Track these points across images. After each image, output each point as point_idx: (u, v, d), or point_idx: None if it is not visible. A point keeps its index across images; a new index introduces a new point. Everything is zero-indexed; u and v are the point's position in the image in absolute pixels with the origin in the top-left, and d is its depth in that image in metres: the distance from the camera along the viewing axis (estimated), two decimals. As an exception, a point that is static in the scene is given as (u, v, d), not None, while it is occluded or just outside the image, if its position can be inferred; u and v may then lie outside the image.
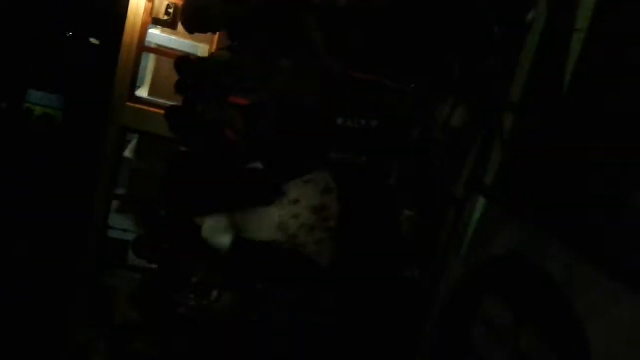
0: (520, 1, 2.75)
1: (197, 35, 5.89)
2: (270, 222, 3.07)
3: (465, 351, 2.72)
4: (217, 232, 3.29)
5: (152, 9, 7.34)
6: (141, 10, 7.28)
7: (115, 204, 8.16)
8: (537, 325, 2.28)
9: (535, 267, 2.29)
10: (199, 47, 7.66)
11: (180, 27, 7.65)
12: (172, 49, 7.65)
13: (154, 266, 4.45)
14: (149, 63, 8.30)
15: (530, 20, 2.79)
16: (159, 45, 7.91)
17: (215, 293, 3.92)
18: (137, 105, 7.62)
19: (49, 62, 8.18)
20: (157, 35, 7.96)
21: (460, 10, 2.75)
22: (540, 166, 2.54)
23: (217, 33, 4.68)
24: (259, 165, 3.31)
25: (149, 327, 4.14)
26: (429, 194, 3.27)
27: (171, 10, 7.46)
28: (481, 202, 2.80)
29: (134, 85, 7.67)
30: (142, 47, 7.49)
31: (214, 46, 7.01)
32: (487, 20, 2.75)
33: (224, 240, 3.22)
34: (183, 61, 3.70)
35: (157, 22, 7.50)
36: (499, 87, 2.75)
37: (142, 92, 8.11)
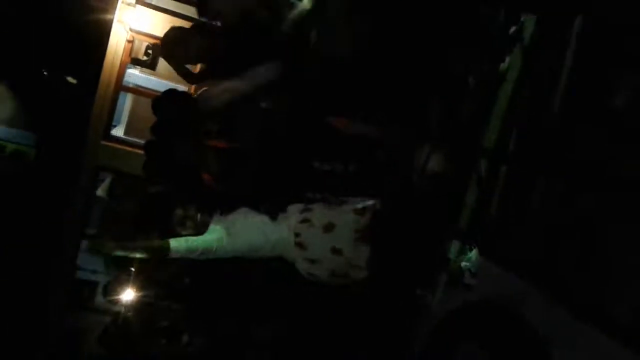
0: (494, 52, 2.84)
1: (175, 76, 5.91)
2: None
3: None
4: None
5: (132, 49, 7.38)
6: (120, 50, 7.32)
7: (84, 244, 7.99)
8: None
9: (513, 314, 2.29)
10: (178, 87, 7.70)
11: (159, 67, 7.70)
12: (150, 89, 7.66)
13: (122, 309, 4.35)
14: (127, 102, 8.29)
15: (504, 70, 2.88)
16: (137, 85, 7.92)
17: (185, 337, 3.84)
18: (113, 144, 7.57)
19: (24, 98, 8.11)
20: (135, 75, 7.98)
21: (435, 59, 2.82)
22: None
23: (197, 66, 4.70)
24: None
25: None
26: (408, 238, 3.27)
27: (150, 51, 7.51)
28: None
29: (109, 123, 7.64)
30: (120, 87, 7.49)
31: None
32: (462, 69, 2.83)
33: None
34: (160, 101, 3.70)
35: (136, 62, 7.53)
36: (474, 134, 2.81)
37: (118, 131, 8.07)
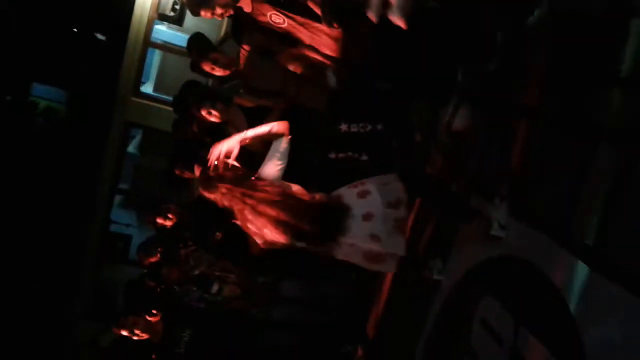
0: (522, 4, 2.76)
1: (202, 27, 5.87)
2: None
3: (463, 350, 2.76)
4: None
5: (159, 4, 7.37)
6: (147, 6, 7.32)
7: (118, 198, 8.21)
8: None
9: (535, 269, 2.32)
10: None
11: (186, 23, 7.70)
12: (178, 46, 7.68)
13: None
14: (155, 59, 8.34)
15: (535, 22, 2.79)
16: (165, 42, 7.94)
17: (215, 286, 3.96)
18: (142, 101, 7.66)
19: (54, 56, 8.21)
20: (163, 31, 7.99)
21: (464, 16, 2.76)
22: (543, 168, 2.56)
23: (224, 20, 4.67)
24: None
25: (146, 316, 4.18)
26: (429, 195, 3.29)
27: (177, 7, 7.50)
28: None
29: (139, 80, 7.71)
30: (148, 43, 7.52)
31: (222, 34, 6.96)
32: (490, 25, 2.77)
33: None
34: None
35: (163, 17, 7.53)
36: (503, 90, 2.77)
37: (147, 88, 8.15)
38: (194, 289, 3.97)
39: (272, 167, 2.81)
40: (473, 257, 2.80)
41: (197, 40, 3.72)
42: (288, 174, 2.85)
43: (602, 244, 2.11)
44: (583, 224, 2.18)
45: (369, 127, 3.17)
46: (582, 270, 2.14)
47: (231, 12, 3.05)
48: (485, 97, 2.89)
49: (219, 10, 3.00)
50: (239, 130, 3.31)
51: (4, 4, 7.40)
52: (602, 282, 2.02)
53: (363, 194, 2.82)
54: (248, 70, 3.63)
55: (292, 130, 2.86)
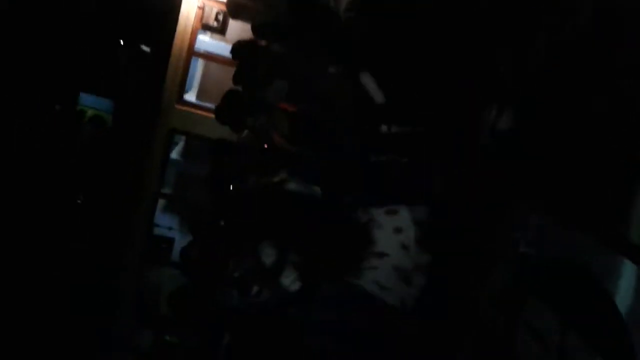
0: (567, 4, 2.76)
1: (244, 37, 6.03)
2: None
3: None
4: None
5: (202, 15, 7.57)
6: (192, 17, 7.53)
7: (161, 203, 8.41)
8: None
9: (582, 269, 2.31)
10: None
11: (228, 33, 7.87)
12: (220, 55, 7.86)
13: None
14: (198, 68, 8.53)
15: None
16: (208, 52, 8.13)
17: (255, 288, 4.01)
18: (186, 108, 7.86)
19: (101, 66, 8.48)
20: (206, 41, 8.18)
21: (509, 14, 2.78)
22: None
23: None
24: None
25: (187, 321, 4.24)
26: (471, 198, 3.29)
27: (220, 17, 7.68)
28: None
29: (182, 89, 7.91)
30: (192, 52, 7.72)
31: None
32: (535, 24, 2.77)
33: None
34: (240, 46, 3.83)
35: (206, 28, 7.73)
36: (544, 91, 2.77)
37: (191, 96, 8.35)
38: (234, 292, 4.03)
39: None
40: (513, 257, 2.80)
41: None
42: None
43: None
44: (629, 222, 2.18)
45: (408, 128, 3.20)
46: (630, 269, 2.13)
47: None
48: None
49: None
50: (284, 136, 3.39)
51: (4, 4, 7.65)
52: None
53: None
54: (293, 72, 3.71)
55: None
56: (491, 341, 2.92)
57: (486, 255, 3.02)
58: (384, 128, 3.26)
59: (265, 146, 3.74)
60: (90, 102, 9.30)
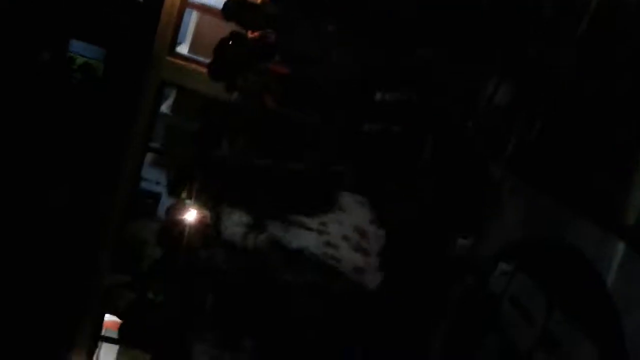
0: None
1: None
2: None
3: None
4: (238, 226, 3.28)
5: (197, -36, 7.34)
6: (186, -34, 7.29)
7: (148, 156, 8.31)
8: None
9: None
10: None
11: (224, -15, 7.64)
12: (214, 7, 7.65)
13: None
14: (191, 20, 8.33)
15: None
16: (202, 3, 7.92)
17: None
18: (177, 61, 7.69)
19: (92, 13, 8.25)
20: (201, -8, 7.96)
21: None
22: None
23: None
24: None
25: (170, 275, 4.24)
26: (465, 172, 3.24)
27: (215, -33, 7.44)
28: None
29: (175, 40, 7.73)
30: (185, 3, 7.52)
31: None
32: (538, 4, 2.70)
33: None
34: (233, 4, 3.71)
35: (201, -22, 7.50)
36: (547, 69, 2.71)
37: (183, 49, 8.16)
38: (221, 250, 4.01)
39: None
40: (507, 235, 2.78)
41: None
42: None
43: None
44: (623, 203, 2.14)
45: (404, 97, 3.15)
46: (621, 250, 2.11)
47: None
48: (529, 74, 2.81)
49: None
50: (276, 97, 3.30)
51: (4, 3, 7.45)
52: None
53: None
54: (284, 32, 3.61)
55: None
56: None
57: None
58: (378, 95, 3.20)
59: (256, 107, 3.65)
60: (80, 49, 9.08)
